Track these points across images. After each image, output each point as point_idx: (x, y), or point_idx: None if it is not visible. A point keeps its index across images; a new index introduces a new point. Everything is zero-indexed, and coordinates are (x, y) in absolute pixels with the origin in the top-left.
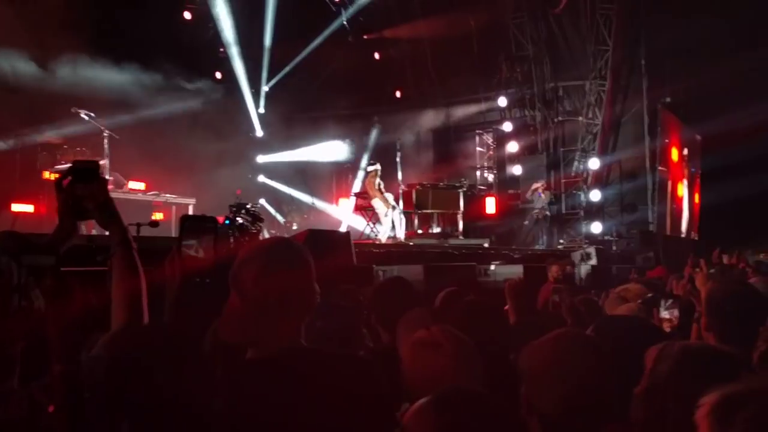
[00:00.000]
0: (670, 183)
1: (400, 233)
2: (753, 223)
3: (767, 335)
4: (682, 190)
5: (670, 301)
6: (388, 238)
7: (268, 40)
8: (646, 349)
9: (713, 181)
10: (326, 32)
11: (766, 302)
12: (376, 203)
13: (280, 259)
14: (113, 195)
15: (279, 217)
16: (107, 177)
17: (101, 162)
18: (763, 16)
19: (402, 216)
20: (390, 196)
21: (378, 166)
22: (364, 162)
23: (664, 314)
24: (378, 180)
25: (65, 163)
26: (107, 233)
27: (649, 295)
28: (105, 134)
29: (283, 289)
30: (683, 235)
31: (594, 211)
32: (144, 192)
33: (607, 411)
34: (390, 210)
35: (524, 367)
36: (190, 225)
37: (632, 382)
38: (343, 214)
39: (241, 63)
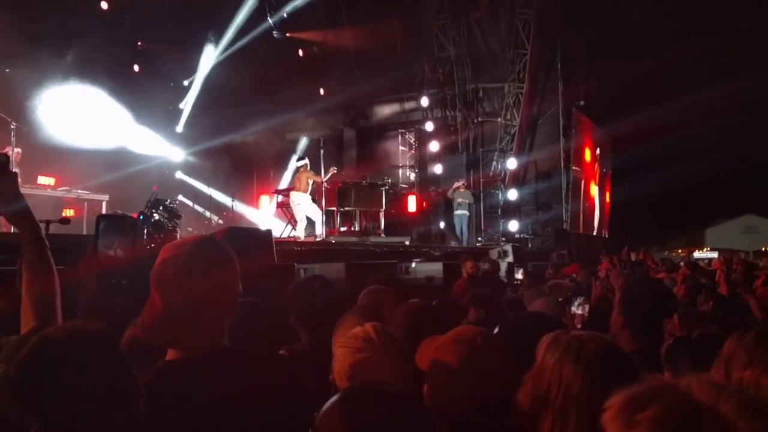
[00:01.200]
0: (583, 182)
1: (320, 231)
2: (659, 220)
3: (671, 329)
4: (594, 189)
5: (582, 298)
6: (308, 236)
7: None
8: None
9: (622, 180)
10: (255, 32)
11: (673, 297)
12: (301, 198)
13: (203, 257)
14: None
15: (198, 209)
16: (15, 171)
17: (6, 151)
18: (668, 19)
19: (322, 214)
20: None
21: (307, 161)
22: (293, 159)
23: (576, 310)
24: (309, 174)
25: None
26: (13, 230)
27: (570, 293)
28: (12, 125)
29: (207, 289)
30: (595, 233)
31: (511, 210)
32: (53, 187)
33: (511, 407)
34: (311, 207)
35: (425, 366)
36: (106, 224)
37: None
38: (264, 212)
39: (163, 56)
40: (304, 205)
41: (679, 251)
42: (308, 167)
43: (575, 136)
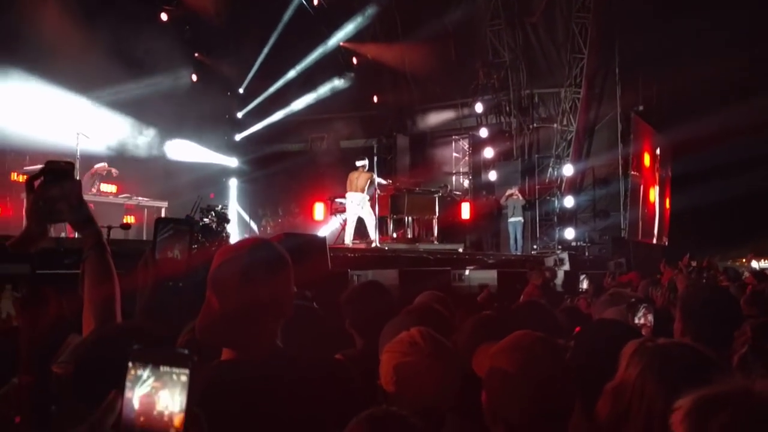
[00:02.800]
0: (642, 188)
1: (374, 236)
2: (720, 229)
3: (745, 339)
4: (654, 195)
5: (645, 306)
6: (358, 242)
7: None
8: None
9: (683, 187)
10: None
11: (738, 306)
12: (359, 199)
13: (261, 260)
14: (86, 197)
15: (249, 215)
16: (78, 179)
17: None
18: (730, 23)
19: (376, 219)
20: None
21: (367, 162)
22: (360, 162)
23: (639, 320)
24: (368, 176)
25: (34, 165)
26: (77, 236)
27: (632, 300)
28: (77, 135)
29: (263, 292)
30: (654, 241)
31: (567, 217)
32: (115, 195)
33: (572, 414)
34: (368, 210)
35: (485, 373)
36: (164, 227)
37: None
38: (318, 219)
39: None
40: (360, 206)
41: (743, 261)
42: (366, 168)
43: (634, 142)
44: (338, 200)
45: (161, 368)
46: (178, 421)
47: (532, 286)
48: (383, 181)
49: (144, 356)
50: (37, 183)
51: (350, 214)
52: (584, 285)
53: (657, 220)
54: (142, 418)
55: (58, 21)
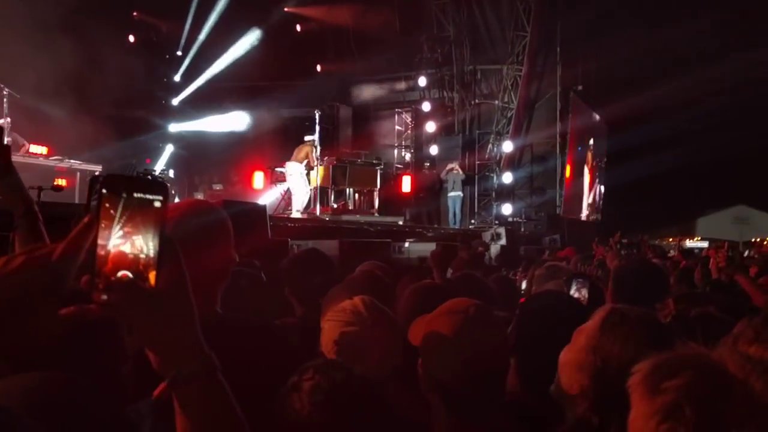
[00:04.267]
0: (569, 167)
1: (299, 207)
2: (651, 208)
3: (668, 311)
4: (579, 173)
5: (580, 280)
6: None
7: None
8: (569, 320)
9: (616, 165)
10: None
11: (667, 280)
12: (295, 169)
13: (202, 224)
14: (12, 159)
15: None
16: (6, 139)
17: (0, 122)
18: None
19: (309, 191)
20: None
21: (315, 138)
22: (309, 137)
23: (574, 293)
24: (310, 150)
25: None
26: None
27: (574, 272)
28: (5, 92)
29: (204, 255)
30: (584, 218)
31: (505, 193)
32: (46, 156)
33: (506, 378)
34: (302, 181)
35: (421, 340)
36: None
37: (557, 351)
38: (258, 187)
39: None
40: (296, 177)
41: (670, 240)
42: (314, 143)
43: (571, 121)
44: (278, 169)
45: (135, 195)
46: (152, 251)
47: (459, 259)
48: (325, 160)
49: (117, 182)
50: None
51: (291, 183)
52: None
53: (586, 197)
54: (113, 252)
55: None
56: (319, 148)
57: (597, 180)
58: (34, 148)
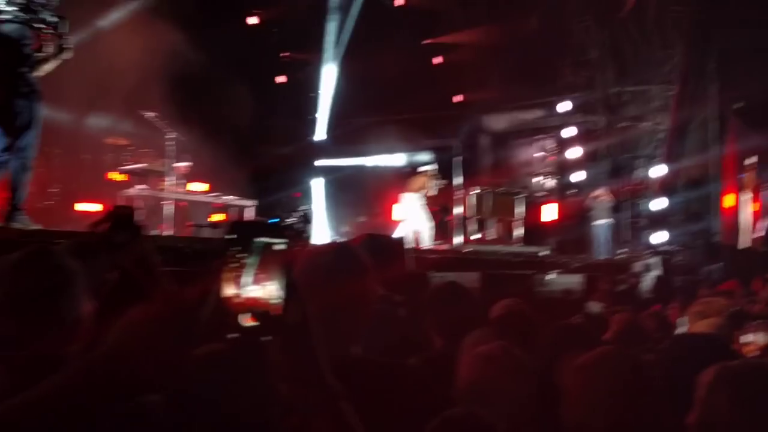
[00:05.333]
0: (732, 194)
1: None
2: None
3: None
4: (733, 200)
5: (760, 321)
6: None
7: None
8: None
9: None
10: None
11: None
12: (411, 201)
13: (341, 266)
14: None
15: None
16: (170, 180)
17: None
18: None
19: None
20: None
21: (435, 167)
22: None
23: (748, 337)
24: (427, 180)
25: (130, 164)
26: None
27: (736, 308)
28: (171, 136)
29: (345, 296)
30: (747, 246)
31: (657, 220)
32: (206, 193)
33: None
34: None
35: (567, 385)
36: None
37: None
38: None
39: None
40: (413, 209)
41: None
42: (431, 173)
43: (730, 142)
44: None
45: (260, 240)
46: (276, 295)
47: (601, 292)
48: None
49: (240, 228)
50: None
51: (403, 215)
52: None
53: (750, 226)
54: (245, 296)
55: None
56: (438, 177)
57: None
58: (195, 186)
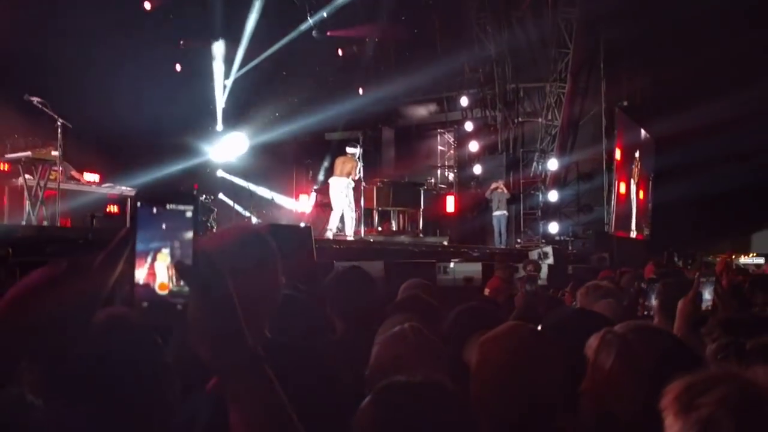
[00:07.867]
0: (622, 183)
1: (350, 230)
2: (702, 224)
3: (714, 334)
4: (625, 188)
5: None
6: (337, 234)
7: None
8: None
9: (665, 182)
10: (293, 33)
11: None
12: (343, 185)
13: (252, 254)
14: (65, 186)
15: (239, 209)
16: (59, 168)
17: (54, 153)
18: (713, 16)
19: (357, 211)
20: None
21: (359, 150)
22: (352, 149)
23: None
24: (355, 164)
25: (13, 153)
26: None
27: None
28: (59, 123)
29: (254, 285)
30: (632, 235)
31: (551, 212)
32: (98, 184)
33: (559, 409)
34: (350, 199)
35: (473, 361)
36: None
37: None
38: (302, 210)
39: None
40: (344, 194)
41: (721, 256)
42: (356, 156)
43: (617, 137)
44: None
45: (168, 207)
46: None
47: (497, 279)
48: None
49: (149, 198)
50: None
51: (334, 201)
52: None
53: (635, 214)
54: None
55: None
56: (361, 163)
57: (647, 196)
58: (87, 176)
